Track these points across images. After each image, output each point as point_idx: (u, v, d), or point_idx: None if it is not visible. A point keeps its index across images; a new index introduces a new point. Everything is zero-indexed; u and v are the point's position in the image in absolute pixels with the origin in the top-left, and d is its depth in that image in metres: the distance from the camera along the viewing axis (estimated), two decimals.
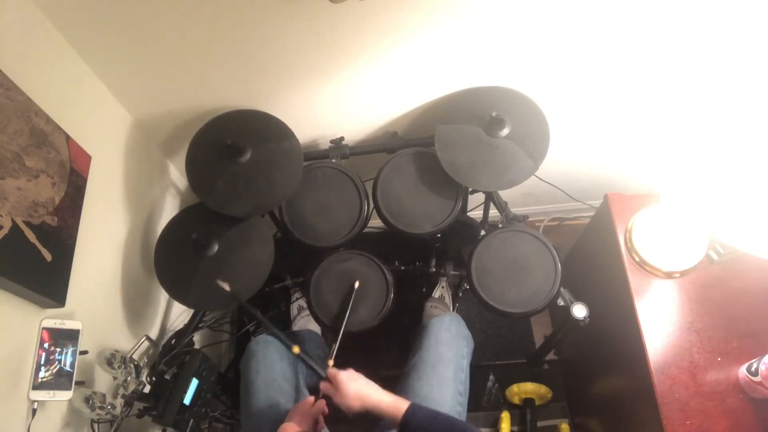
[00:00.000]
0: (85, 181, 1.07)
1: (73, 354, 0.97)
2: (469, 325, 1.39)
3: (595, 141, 1.51)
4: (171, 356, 1.27)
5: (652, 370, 1.13)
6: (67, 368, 0.95)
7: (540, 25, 1.09)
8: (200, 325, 1.41)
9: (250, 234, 1.27)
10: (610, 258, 1.31)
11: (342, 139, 1.39)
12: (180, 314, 1.56)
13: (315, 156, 1.37)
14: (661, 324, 1.18)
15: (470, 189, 1.32)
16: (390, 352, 1.68)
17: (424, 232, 1.26)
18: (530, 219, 1.93)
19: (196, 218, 1.29)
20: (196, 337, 1.51)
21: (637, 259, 1.25)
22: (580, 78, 1.24)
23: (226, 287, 1.18)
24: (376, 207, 1.28)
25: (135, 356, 1.15)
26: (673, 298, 1.22)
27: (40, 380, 0.90)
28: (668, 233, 1.25)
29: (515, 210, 1.52)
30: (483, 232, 1.39)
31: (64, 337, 0.96)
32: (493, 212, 1.53)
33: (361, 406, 1.03)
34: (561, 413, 1.77)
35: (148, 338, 1.25)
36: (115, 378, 1.09)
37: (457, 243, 1.76)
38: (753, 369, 1.07)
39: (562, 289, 1.26)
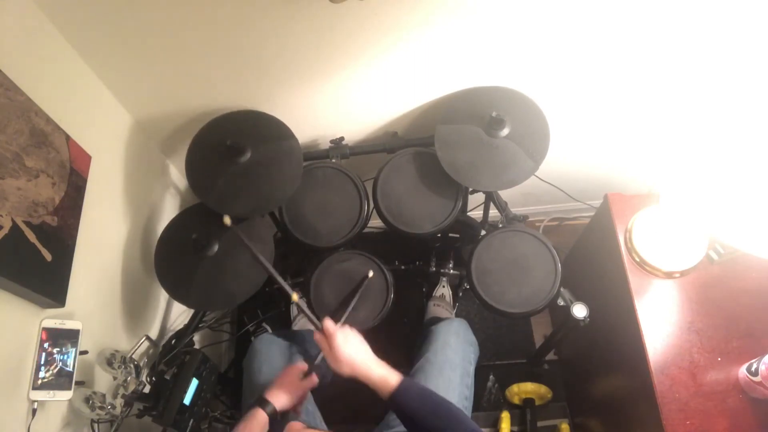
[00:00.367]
0: (85, 181, 1.07)
1: (73, 354, 0.97)
2: (470, 325, 1.39)
3: (595, 141, 1.51)
4: (171, 356, 1.27)
5: (652, 370, 1.13)
6: (67, 368, 0.95)
7: (540, 25, 1.09)
8: (200, 325, 1.41)
9: (250, 234, 1.26)
10: (610, 258, 1.31)
11: (342, 139, 1.39)
12: (180, 314, 1.56)
13: (315, 156, 1.37)
14: (661, 324, 1.18)
15: (470, 189, 1.32)
16: (390, 353, 1.67)
17: (424, 232, 1.26)
18: (530, 219, 1.92)
19: (196, 218, 1.29)
20: (196, 337, 1.51)
21: (637, 259, 1.25)
22: (580, 78, 1.24)
23: (228, 221, 1.12)
24: (376, 207, 1.28)
25: (135, 356, 1.15)
26: (673, 298, 1.22)
27: (40, 380, 0.90)
28: (668, 233, 1.25)
29: (515, 210, 1.53)
30: (483, 232, 1.39)
31: (64, 337, 0.96)
32: (493, 212, 1.53)
33: (350, 372, 1.00)
34: (561, 413, 1.77)
35: (148, 338, 1.25)
36: (115, 378, 1.09)
37: (457, 243, 1.76)
38: (753, 369, 1.07)
39: (562, 289, 1.26)
